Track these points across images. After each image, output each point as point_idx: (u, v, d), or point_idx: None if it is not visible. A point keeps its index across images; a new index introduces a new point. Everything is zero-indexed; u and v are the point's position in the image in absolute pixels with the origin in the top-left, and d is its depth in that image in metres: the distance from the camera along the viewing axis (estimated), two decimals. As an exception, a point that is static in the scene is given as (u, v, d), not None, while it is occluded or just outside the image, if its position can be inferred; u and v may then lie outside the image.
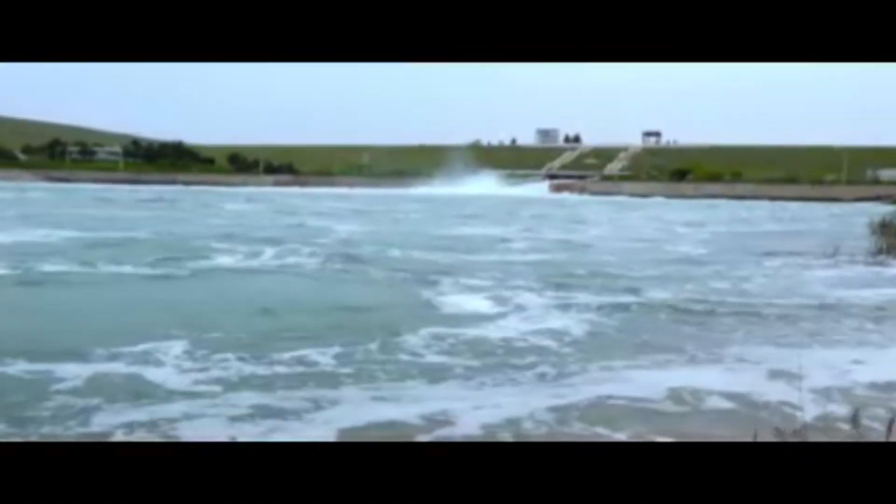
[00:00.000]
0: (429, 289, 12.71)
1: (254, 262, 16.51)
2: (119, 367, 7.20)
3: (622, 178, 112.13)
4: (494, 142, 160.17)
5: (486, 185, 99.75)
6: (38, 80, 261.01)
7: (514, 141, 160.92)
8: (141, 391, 6.46)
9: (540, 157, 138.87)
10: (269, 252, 18.15)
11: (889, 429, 3.17)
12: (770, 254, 20.11)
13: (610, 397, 6.51)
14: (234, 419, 5.77)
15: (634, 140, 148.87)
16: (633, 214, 46.38)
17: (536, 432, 5.55)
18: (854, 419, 3.63)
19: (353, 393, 6.55)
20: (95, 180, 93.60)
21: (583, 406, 6.23)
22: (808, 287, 13.82)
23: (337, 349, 8.05)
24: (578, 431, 5.61)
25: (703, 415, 6.13)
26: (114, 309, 10.81)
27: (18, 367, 7.05)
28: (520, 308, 11.04)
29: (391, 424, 5.63)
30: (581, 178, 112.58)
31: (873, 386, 6.83)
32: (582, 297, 11.94)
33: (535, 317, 10.40)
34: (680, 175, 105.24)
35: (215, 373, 7.11)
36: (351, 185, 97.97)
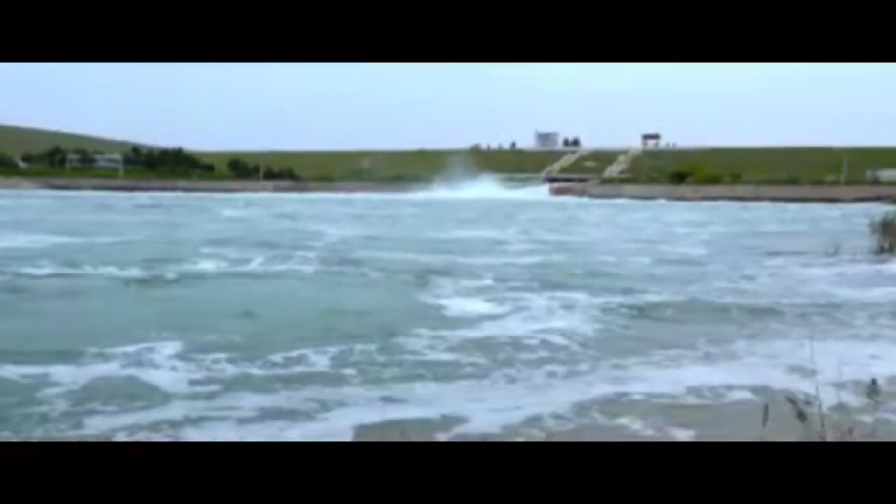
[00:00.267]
0: (425, 291, 12.46)
1: (245, 267, 16.24)
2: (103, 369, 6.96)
3: (622, 181, 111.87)
4: (494, 145, 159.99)
5: (485, 188, 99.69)
6: (38, 88, 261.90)
7: (513, 145, 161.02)
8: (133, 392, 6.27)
9: (539, 160, 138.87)
10: (262, 257, 17.89)
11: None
12: (772, 253, 19.89)
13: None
14: (241, 421, 5.67)
15: (634, 143, 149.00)
16: (633, 216, 46.09)
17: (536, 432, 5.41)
18: (872, 389, 3.47)
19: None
20: (95, 188, 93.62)
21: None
22: (811, 286, 13.60)
23: (333, 351, 7.82)
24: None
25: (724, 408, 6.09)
26: (100, 312, 10.55)
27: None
28: (523, 309, 10.82)
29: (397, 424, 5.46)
30: (581, 181, 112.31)
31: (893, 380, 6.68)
32: (582, 297, 11.72)
33: (538, 317, 10.20)
34: (680, 177, 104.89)
35: (206, 374, 7.00)
36: (351, 190, 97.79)
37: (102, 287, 12.92)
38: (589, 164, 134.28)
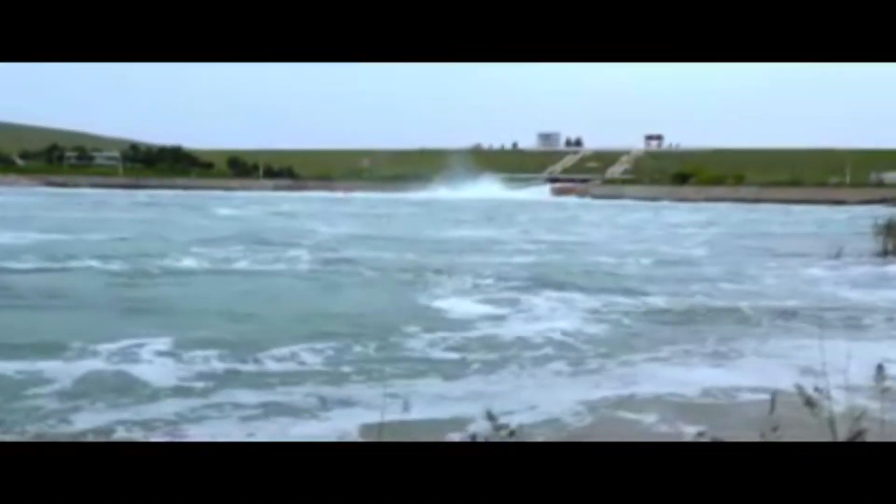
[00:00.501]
0: (425, 291, 12.14)
1: (232, 265, 15.93)
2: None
3: (624, 182, 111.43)
4: (496, 145, 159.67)
5: (486, 188, 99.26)
6: (36, 86, 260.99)
7: (515, 145, 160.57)
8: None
9: (541, 160, 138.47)
10: (251, 254, 17.58)
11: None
12: (775, 255, 19.71)
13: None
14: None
15: (636, 143, 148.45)
16: (634, 216, 45.74)
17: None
18: (879, 375, 3.37)
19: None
20: (93, 185, 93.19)
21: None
22: (815, 287, 13.39)
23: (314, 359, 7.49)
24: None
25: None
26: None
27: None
28: (526, 309, 10.58)
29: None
30: (583, 181, 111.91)
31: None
32: (580, 298, 11.53)
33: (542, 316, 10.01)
34: (682, 178, 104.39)
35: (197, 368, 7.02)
36: (350, 189, 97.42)
37: (80, 283, 12.68)
38: (591, 164, 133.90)
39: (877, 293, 12.56)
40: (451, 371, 7.25)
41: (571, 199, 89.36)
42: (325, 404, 6.08)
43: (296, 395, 6.38)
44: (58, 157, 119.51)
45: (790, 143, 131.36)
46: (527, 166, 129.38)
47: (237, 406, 6.00)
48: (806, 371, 6.41)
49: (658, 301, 11.45)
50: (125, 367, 7.10)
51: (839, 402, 3.99)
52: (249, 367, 7.25)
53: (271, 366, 7.33)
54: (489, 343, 8.40)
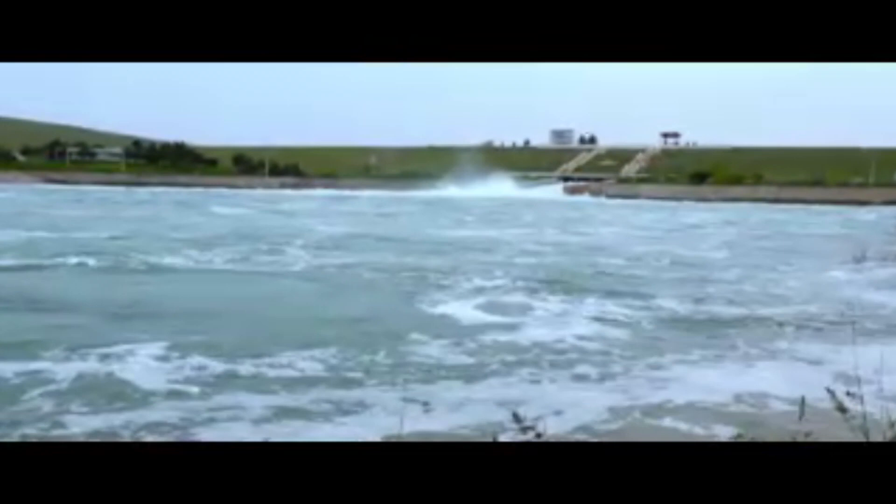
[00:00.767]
0: (425, 296, 11.59)
1: (219, 265, 15.43)
2: None
3: (639, 181, 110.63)
4: (507, 142, 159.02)
5: (498, 187, 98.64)
6: (38, 81, 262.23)
7: (527, 142, 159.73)
8: None
9: (554, 158, 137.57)
10: (240, 254, 17.10)
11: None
12: (800, 256, 19.46)
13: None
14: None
15: (652, 141, 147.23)
16: (649, 217, 45.06)
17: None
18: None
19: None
20: (95, 182, 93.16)
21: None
22: (839, 291, 13.00)
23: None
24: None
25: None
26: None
27: None
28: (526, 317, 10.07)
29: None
30: (597, 180, 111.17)
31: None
32: (595, 303, 11.19)
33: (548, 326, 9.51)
34: (700, 178, 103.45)
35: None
36: (357, 187, 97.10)
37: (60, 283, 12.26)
38: (605, 162, 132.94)
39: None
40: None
41: (585, 199, 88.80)
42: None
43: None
44: (59, 154, 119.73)
45: (811, 142, 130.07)
46: (540, 164, 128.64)
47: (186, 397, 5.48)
48: (837, 377, 6.32)
49: (675, 307, 10.91)
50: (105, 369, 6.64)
51: (872, 409, 3.77)
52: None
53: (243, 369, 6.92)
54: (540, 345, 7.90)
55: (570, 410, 6.12)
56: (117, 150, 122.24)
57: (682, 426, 5.84)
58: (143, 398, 6.16)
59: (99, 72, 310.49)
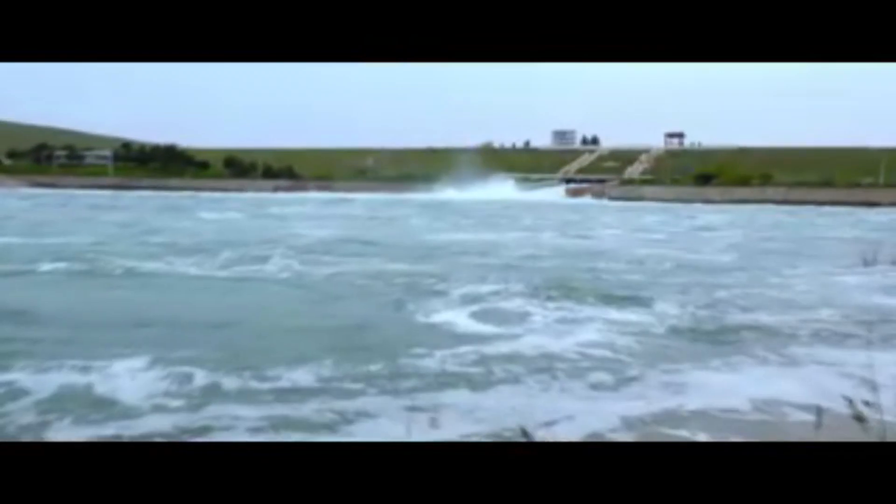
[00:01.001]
0: (416, 304, 11.16)
1: (202, 271, 15.00)
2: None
3: (643, 182, 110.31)
4: (507, 144, 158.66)
5: (498, 189, 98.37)
6: (25, 83, 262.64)
7: (527, 143, 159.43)
8: None
9: (556, 159, 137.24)
10: (222, 260, 16.68)
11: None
12: (809, 259, 19.25)
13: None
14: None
15: (656, 141, 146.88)
16: (653, 219, 44.70)
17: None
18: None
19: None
20: (83, 186, 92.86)
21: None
22: (851, 294, 12.80)
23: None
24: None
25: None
26: None
27: None
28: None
29: None
30: (600, 182, 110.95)
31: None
32: (597, 310, 10.84)
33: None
34: (705, 179, 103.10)
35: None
36: (353, 189, 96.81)
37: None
38: (608, 163, 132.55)
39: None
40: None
41: (587, 201, 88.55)
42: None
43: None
44: (46, 157, 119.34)
45: (819, 142, 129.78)
46: (541, 166, 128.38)
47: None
48: (854, 383, 6.17)
49: (680, 312, 10.54)
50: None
51: (890, 417, 3.70)
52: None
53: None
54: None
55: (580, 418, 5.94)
56: (106, 152, 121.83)
57: (702, 437, 5.59)
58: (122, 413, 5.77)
59: (88, 73, 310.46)
